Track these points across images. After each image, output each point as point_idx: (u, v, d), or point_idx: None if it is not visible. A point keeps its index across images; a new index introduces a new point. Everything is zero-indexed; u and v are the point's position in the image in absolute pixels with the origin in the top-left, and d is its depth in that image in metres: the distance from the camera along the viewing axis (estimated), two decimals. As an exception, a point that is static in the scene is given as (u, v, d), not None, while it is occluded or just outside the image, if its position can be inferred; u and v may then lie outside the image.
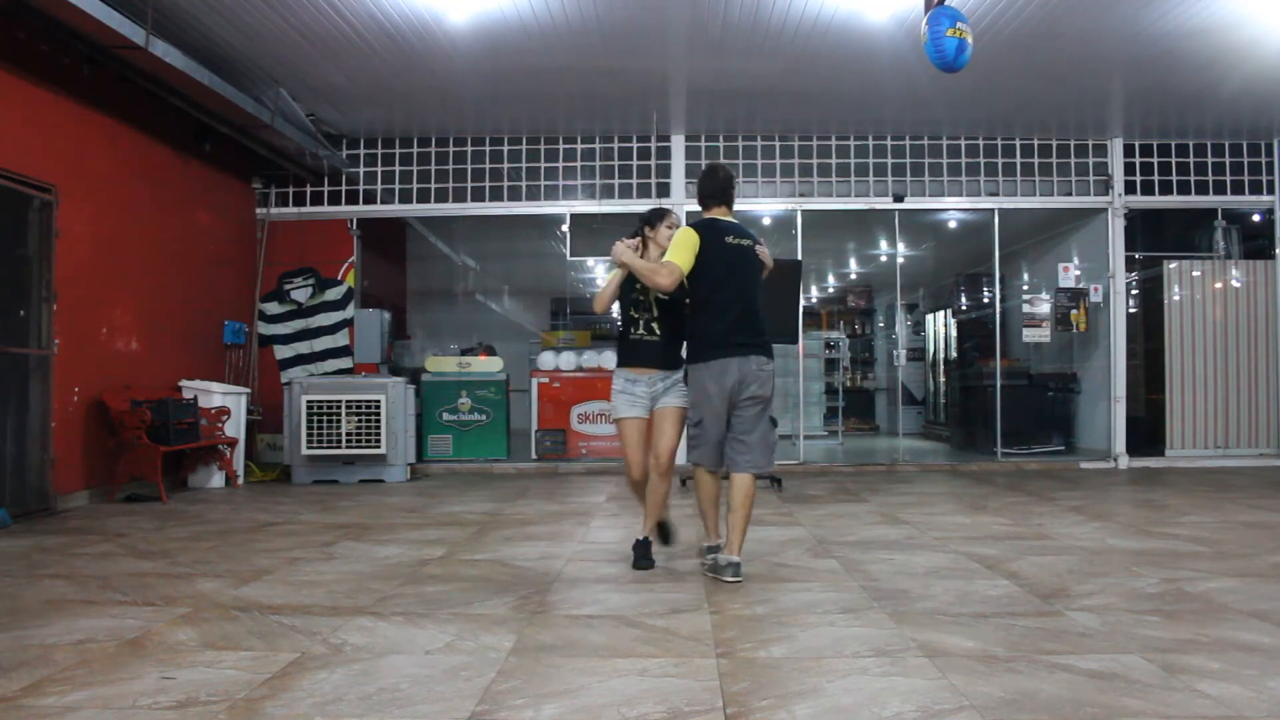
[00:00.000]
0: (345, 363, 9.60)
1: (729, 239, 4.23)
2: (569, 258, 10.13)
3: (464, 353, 10.31)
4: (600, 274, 15.99)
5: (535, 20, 6.71)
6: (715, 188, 4.38)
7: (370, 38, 6.99)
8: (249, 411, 8.64)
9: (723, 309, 4.16)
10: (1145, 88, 8.20)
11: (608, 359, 9.89)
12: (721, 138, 9.65)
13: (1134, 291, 10.38)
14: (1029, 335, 10.23)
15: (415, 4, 6.47)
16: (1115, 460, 9.55)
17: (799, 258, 9.20)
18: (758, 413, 4.15)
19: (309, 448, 8.26)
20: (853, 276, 16.47)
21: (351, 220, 9.74)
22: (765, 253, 4.34)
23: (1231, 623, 3.35)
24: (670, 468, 4.42)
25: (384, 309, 9.90)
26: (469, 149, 9.69)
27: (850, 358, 15.95)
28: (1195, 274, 9.86)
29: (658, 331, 4.40)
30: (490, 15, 6.62)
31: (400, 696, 2.62)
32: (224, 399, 8.02)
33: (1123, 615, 3.47)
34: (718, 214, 4.34)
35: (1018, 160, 9.71)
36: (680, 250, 4.16)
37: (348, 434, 8.29)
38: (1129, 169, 9.68)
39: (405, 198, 9.72)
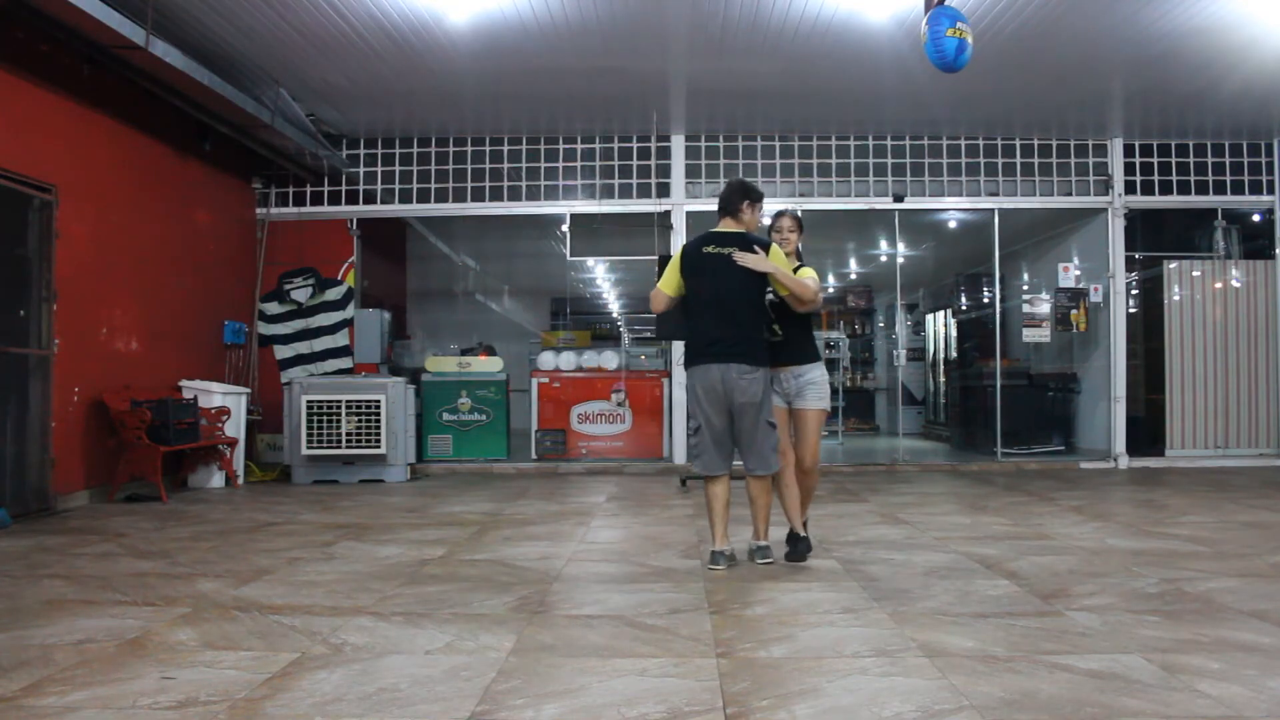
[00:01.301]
0: (345, 363, 9.60)
1: (708, 249, 4.35)
2: (569, 258, 10.12)
3: (464, 353, 10.31)
4: (600, 274, 16.02)
5: (535, 20, 6.72)
6: (720, 201, 4.51)
7: (370, 38, 6.99)
8: (249, 411, 8.64)
9: (702, 318, 4.36)
10: (1145, 88, 8.20)
11: (608, 359, 9.90)
12: (721, 138, 9.65)
13: (1134, 291, 10.38)
14: (1029, 335, 10.23)
15: (415, 4, 6.47)
16: (1115, 460, 9.55)
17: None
18: (753, 419, 4.28)
19: (309, 448, 8.26)
20: (853, 276, 16.48)
21: (351, 220, 9.74)
22: (748, 258, 4.27)
23: (1231, 623, 3.35)
24: (814, 469, 4.59)
25: (384, 309, 9.90)
26: (469, 149, 9.69)
27: (850, 358, 15.96)
28: (1195, 274, 9.86)
29: (779, 332, 4.52)
30: (490, 15, 6.62)
31: (400, 696, 2.62)
32: (224, 399, 8.02)
33: (1123, 615, 3.47)
34: (721, 226, 4.47)
35: (1018, 160, 9.71)
36: (666, 272, 4.48)
37: (348, 434, 8.29)
38: (1129, 169, 9.68)
39: (405, 198, 9.72)
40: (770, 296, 4.44)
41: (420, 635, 3.24)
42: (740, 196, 4.44)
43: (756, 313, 4.37)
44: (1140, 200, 9.71)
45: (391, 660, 2.95)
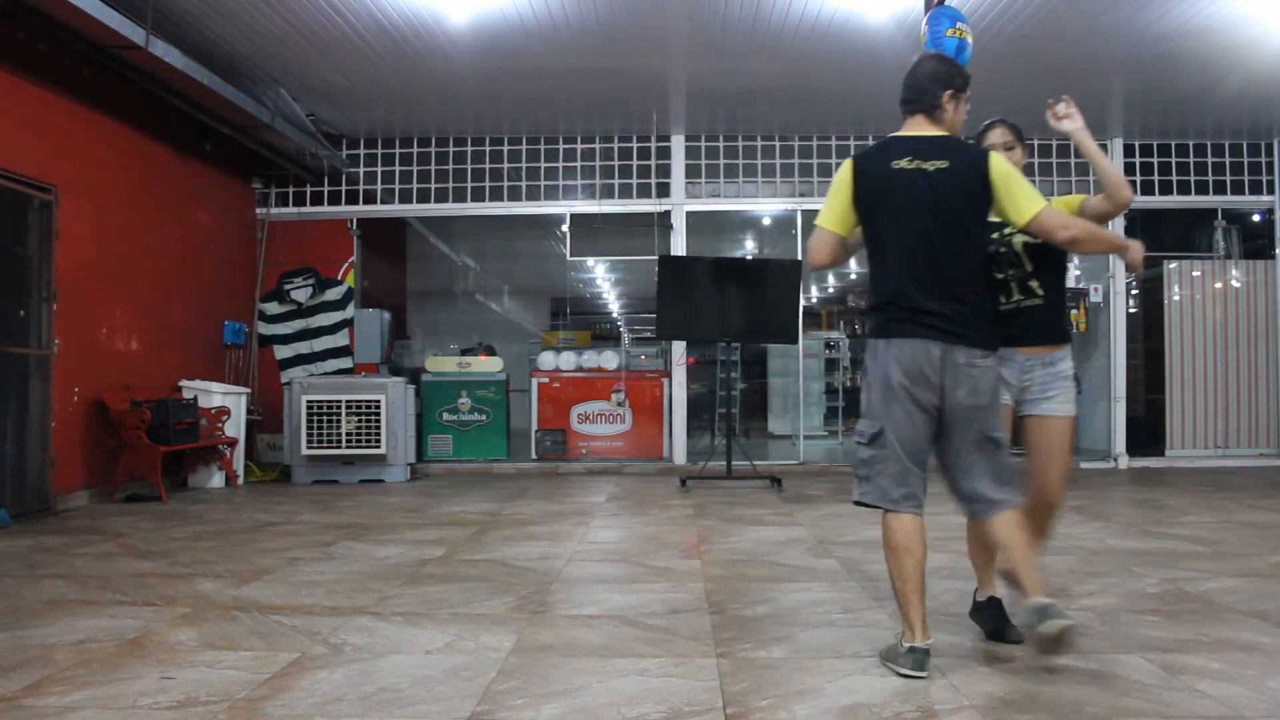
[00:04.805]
0: (345, 363, 9.60)
1: (899, 163, 2.86)
2: (569, 258, 10.12)
3: (464, 353, 10.31)
4: (600, 274, 16.01)
5: (535, 20, 6.72)
6: (906, 90, 2.99)
7: (370, 38, 6.99)
8: (249, 411, 8.64)
9: (901, 269, 2.86)
10: (1145, 88, 8.20)
11: (608, 359, 9.88)
12: (721, 138, 9.65)
13: (1134, 291, 10.38)
14: (1029, 335, 10.21)
15: (415, 4, 6.47)
16: (1115, 460, 9.55)
17: (799, 258, 9.20)
18: (977, 431, 2.83)
19: (309, 448, 8.25)
20: (853, 276, 16.48)
21: (351, 220, 9.74)
22: (1001, 160, 2.85)
23: (1231, 623, 3.35)
24: (1060, 503, 3.17)
25: (384, 309, 9.90)
26: (469, 149, 9.68)
27: (850, 358, 15.96)
28: (1195, 274, 9.86)
29: (1039, 291, 3.12)
30: (490, 15, 6.62)
31: (400, 696, 2.62)
32: (224, 399, 8.02)
33: (1123, 615, 3.47)
34: (908, 129, 2.96)
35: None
36: (828, 200, 2.97)
37: (348, 434, 8.29)
38: (1129, 169, 9.68)
39: (405, 198, 9.72)
40: (1020, 235, 3.09)
41: (420, 635, 3.24)
42: (940, 84, 2.94)
43: (981, 265, 2.94)
44: (1140, 200, 9.69)
45: (391, 660, 2.95)
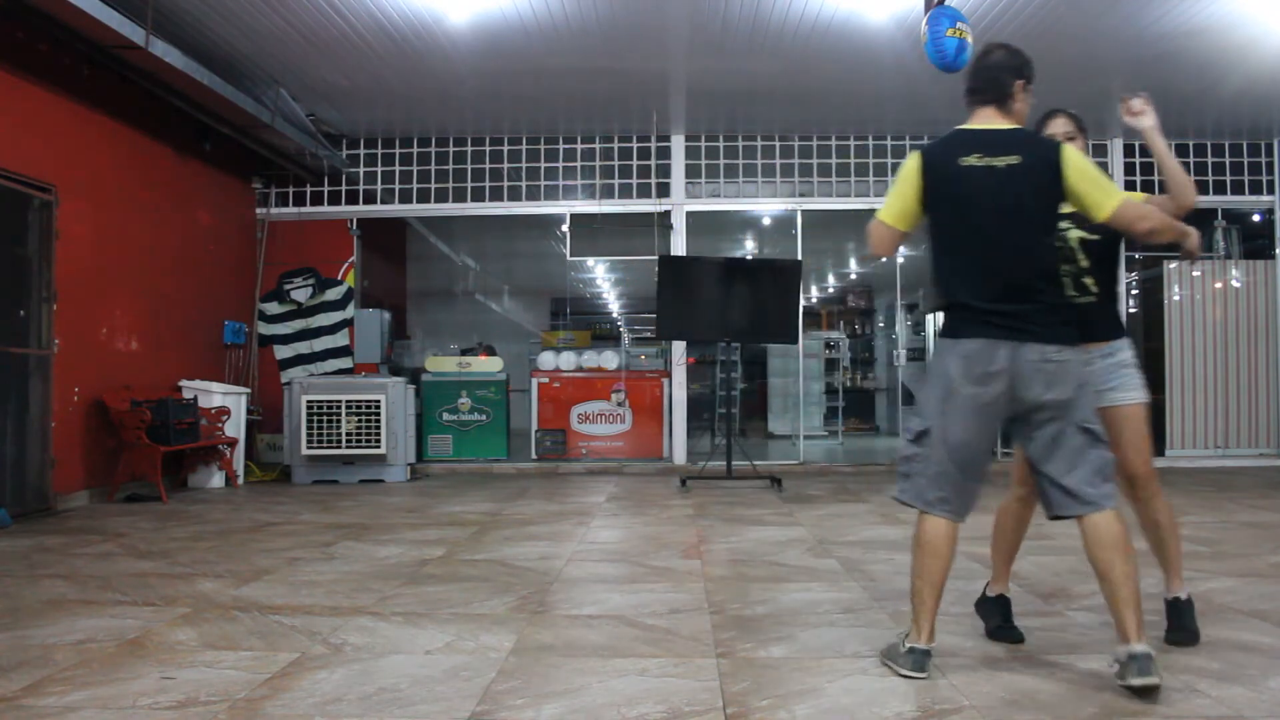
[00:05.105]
0: (345, 363, 9.60)
1: (967, 160, 2.78)
2: (569, 258, 10.13)
3: (464, 353, 10.32)
4: (600, 274, 16.01)
5: (535, 20, 6.72)
6: (976, 80, 2.92)
7: (370, 38, 6.99)
8: (249, 411, 8.64)
9: (969, 265, 2.82)
10: (1145, 88, 8.08)
11: (608, 359, 9.89)
12: (721, 138, 9.65)
13: (1134, 291, 10.38)
14: (1029, 335, 10.21)
15: (415, 4, 6.47)
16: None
17: (799, 258, 9.20)
18: (1059, 426, 2.75)
19: (309, 448, 8.26)
20: (853, 276, 16.49)
21: (351, 220, 9.74)
22: (1075, 153, 2.78)
23: (1231, 623, 3.36)
24: (1156, 490, 3.14)
25: (384, 309, 9.90)
26: (469, 149, 9.69)
27: (850, 358, 15.97)
28: (1195, 274, 9.86)
29: (1093, 289, 3.12)
30: (490, 15, 6.63)
31: (400, 696, 2.62)
32: (224, 399, 8.02)
33: (1123, 615, 3.46)
34: (977, 122, 2.88)
35: (1018, 160, 9.69)
36: (893, 193, 2.92)
37: (348, 434, 8.29)
38: (1129, 169, 9.68)
39: (405, 198, 9.72)
40: (1076, 231, 3.08)
41: (420, 635, 3.24)
42: (1012, 73, 2.88)
43: (1054, 261, 2.91)
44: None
45: (391, 660, 2.95)
